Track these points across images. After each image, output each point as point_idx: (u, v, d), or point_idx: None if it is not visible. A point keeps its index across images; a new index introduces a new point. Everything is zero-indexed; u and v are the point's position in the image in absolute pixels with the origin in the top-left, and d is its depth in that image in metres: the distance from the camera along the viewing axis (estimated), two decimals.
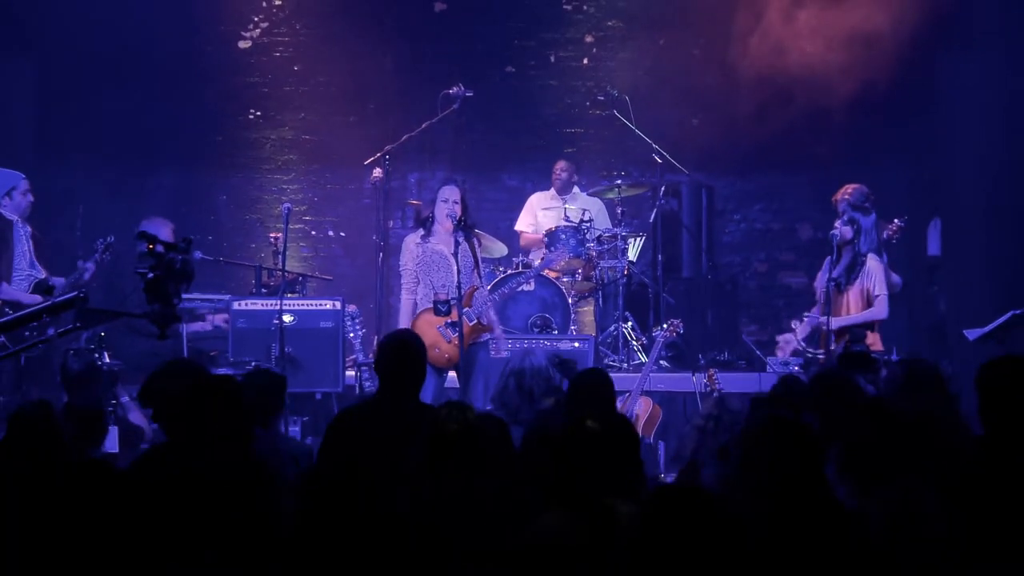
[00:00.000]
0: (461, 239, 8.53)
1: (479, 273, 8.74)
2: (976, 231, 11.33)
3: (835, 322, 8.83)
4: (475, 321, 8.56)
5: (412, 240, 8.75)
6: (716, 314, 11.60)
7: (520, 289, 9.76)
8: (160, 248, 5.78)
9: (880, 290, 8.91)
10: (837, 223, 9.07)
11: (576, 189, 11.40)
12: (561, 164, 11.40)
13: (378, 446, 5.01)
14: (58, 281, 9.18)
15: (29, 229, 9.24)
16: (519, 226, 11.20)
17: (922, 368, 6.04)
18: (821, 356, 8.90)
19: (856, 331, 8.40)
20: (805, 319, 9.16)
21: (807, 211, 12.47)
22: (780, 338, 9.44)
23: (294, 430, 8.69)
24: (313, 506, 3.71)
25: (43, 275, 9.14)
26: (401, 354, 5.34)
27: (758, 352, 10.63)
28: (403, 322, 8.68)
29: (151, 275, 5.66)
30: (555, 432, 4.33)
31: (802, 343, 9.04)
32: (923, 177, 12.17)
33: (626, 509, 3.91)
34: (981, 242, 11.29)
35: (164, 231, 9.52)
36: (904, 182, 12.02)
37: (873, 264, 8.95)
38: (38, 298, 8.84)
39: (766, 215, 12.69)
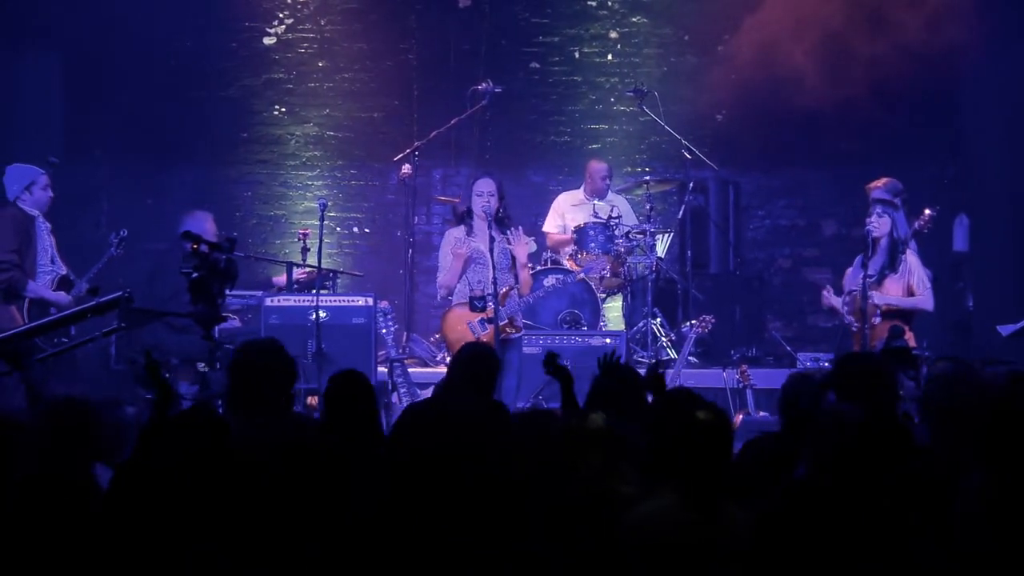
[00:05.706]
0: (496, 234, 8.53)
1: (516, 273, 8.72)
2: (1003, 227, 11.33)
3: (879, 298, 8.78)
4: (505, 321, 8.57)
5: (453, 234, 8.74)
6: (743, 310, 11.59)
7: (550, 287, 9.72)
8: (204, 248, 5.82)
9: (924, 283, 8.87)
10: (872, 218, 9.00)
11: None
12: (601, 170, 11.04)
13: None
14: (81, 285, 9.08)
15: (49, 225, 9.03)
16: (547, 227, 11.14)
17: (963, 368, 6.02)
18: (856, 328, 8.91)
19: (896, 327, 8.34)
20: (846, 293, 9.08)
21: (831, 207, 12.45)
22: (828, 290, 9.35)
23: None
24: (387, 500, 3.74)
25: (64, 271, 8.99)
26: (475, 366, 5.25)
27: (788, 347, 10.64)
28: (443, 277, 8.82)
29: (195, 275, 5.71)
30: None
31: (842, 306, 8.97)
32: (948, 173, 12.15)
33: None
34: (1008, 238, 11.28)
35: (207, 225, 9.50)
36: (929, 178, 11.98)
37: (912, 259, 8.91)
38: (63, 294, 8.77)
39: (790, 211, 12.66)
